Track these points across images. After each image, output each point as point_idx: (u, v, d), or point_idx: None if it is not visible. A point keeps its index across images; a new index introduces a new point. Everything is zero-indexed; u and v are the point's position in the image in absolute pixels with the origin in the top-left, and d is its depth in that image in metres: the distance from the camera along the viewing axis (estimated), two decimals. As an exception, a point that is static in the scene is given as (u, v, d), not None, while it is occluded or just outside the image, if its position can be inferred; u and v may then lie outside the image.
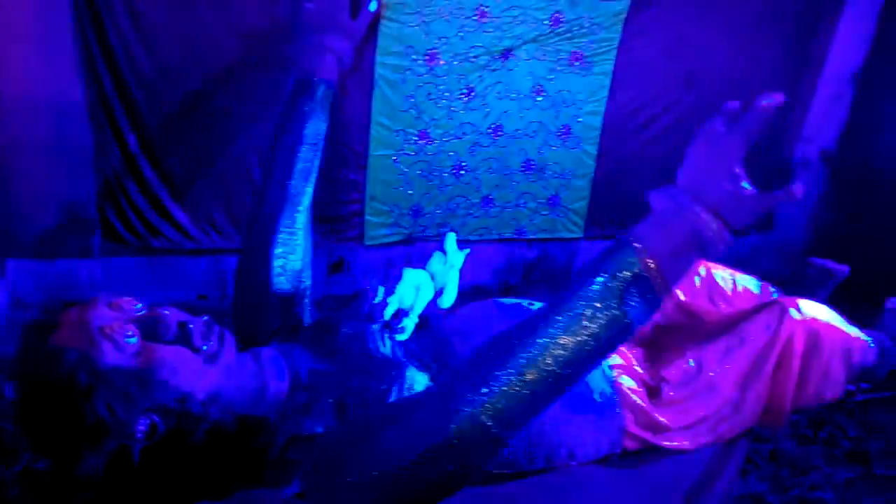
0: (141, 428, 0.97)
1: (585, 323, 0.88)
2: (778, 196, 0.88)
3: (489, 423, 0.86)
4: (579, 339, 0.88)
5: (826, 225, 2.29)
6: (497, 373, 0.88)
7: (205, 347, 1.02)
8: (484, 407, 0.86)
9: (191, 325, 1.02)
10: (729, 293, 1.49)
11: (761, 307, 1.33)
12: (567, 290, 0.91)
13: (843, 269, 1.64)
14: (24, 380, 0.98)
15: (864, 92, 2.15)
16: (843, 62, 2.10)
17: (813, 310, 1.33)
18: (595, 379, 1.20)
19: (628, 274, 0.88)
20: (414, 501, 0.90)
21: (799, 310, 1.31)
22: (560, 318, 0.89)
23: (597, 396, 1.17)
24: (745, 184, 0.89)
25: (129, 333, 0.97)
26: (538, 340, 0.88)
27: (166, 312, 1.03)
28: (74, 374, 0.94)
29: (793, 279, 1.43)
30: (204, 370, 1.01)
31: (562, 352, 0.88)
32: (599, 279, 0.88)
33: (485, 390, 0.87)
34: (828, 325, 1.32)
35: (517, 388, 0.87)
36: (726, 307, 1.46)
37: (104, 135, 1.55)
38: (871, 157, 2.16)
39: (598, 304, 0.88)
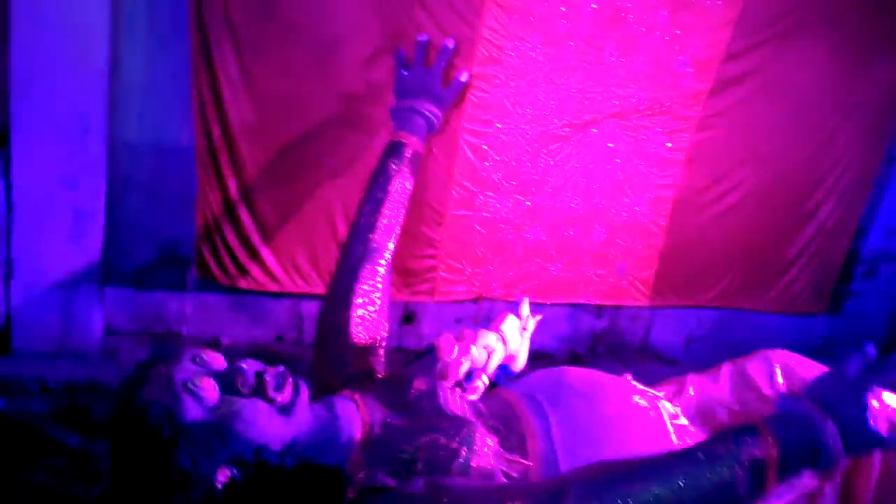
0: (221, 479, 1.02)
1: (700, 482, 0.92)
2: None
3: None
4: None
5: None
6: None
7: (279, 399, 1.07)
8: None
9: (266, 377, 1.07)
10: None
11: None
12: (687, 453, 0.97)
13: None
14: (116, 433, 1.05)
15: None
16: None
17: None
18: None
19: (751, 452, 0.93)
20: None
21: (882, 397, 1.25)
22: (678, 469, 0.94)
23: None
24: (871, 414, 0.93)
25: (211, 388, 1.03)
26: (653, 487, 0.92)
27: (244, 366, 1.07)
28: (159, 428, 1.00)
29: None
30: (278, 421, 1.06)
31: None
32: (724, 451, 0.94)
33: None
34: None
35: None
36: None
37: (207, 179, 1.66)
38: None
39: (718, 469, 0.92)
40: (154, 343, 1.73)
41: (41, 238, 1.63)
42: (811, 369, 1.38)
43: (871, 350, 0.99)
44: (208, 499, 1.02)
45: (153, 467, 1.02)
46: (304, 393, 1.12)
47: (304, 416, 1.10)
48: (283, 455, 1.07)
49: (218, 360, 1.10)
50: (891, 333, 2.24)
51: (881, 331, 2.25)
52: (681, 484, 0.92)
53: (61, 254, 1.65)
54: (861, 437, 0.93)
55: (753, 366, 1.42)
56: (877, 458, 1.22)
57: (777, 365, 1.41)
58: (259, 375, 1.07)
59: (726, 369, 1.44)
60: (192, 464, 1.01)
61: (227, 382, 1.06)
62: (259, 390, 1.07)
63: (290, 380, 1.11)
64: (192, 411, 1.02)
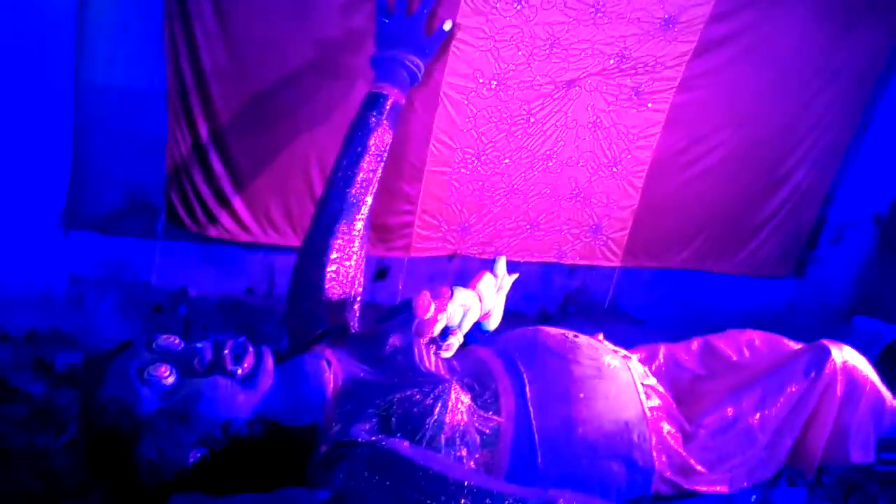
0: (191, 461, 1.03)
1: None
2: None
3: None
4: None
5: (871, 288, 2.27)
6: None
7: (239, 371, 1.07)
8: None
9: (225, 351, 1.07)
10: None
11: (805, 349, 1.33)
12: None
13: (892, 329, 1.61)
14: (82, 431, 1.06)
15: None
16: (903, 124, 2.10)
17: (855, 358, 1.32)
18: (634, 420, 1.21)
19: None
20: None
21: (842, 353, 1.30)
22: None
23: (635, 437, 1.19)
24: None
25: (167, 374, 1.03)
26: None
27: (199, 346, 1.07)
28: (119, 425, 1.01)
29: (836, 338, 1.43)
30: (242, 393, 1.06)
31: None
32: None
33: None
34: (867, 380, 1.31)
35: None
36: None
37: (178, 123, 1.60)
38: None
39: None
40: (121, 291, 1.69)
41: (3, 181, 1.57)
42: (778, 344, 1.42)
43: None
44: (182, 476, 1.02)
45: (120, 463, 1.02)
46: (267, 360, 1.11)
47: (269, 382, 1.10)
48: (252, 424, 1.07)
49: (173, 343, 1.09)
50: (854, 298, 2.30)
51: (844, 295, 2.31)
52: None
53: (24, 197, 1.59)
54: None
55: (723, 341, 1.46)
56: (831, 414, 1.27)
57: (745, 340, 1.45)
58: (217, 350, 1.06)
59: (697, 341, 1.48)
60: (158, 453, 1.01)
61: (184, 364, 1.05)
62: (217, 366, 1.06)
63: (251, 349, 1.10)
64: (150, 402, 1.01)
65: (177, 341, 1.10)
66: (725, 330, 1.51)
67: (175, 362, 1.05)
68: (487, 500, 0.95)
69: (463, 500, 0.95)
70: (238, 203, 1.70)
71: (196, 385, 1.04)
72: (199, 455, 1.03)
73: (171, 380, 1.03)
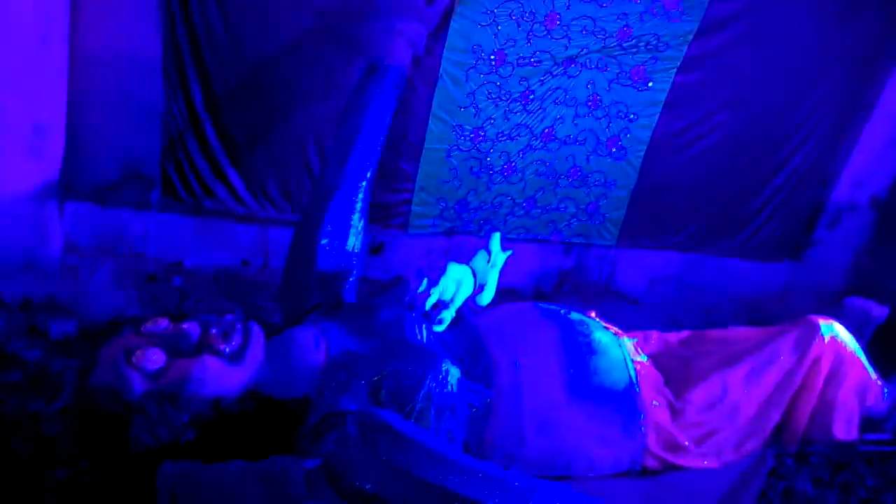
0: (184, 441, 1.03)
1: None
2: None
3: None
4: None
5: (867, 272, 2.27)
6: None
7: (227, 349, 1.07)
8: None
9: (212, 330, 1.06)
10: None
11: (794, 324, 1.33)
12: None
13: (883, 311, 1.61)
14: (79, 416, 1.06)
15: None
16: (903, 108, 2.09)
17: (844, 335, 1.33)
18: (623, 396, 1.22)
19: None
20: None
21: (831, 329, 1.30)
22: None
23: (623, 413, 1.20)
24: None
25: (155, 357, 1.03)
26: None
27: (185, 327, 1.06)
28: (110, 410, 1.01)
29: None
30: (231, 371, 1.06)
31: None
32: None
33: None
34: (853, 356, 1.31)
35: None
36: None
37: (174, 93, 1.60)
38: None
39: None
40: (115, 261, 1.69)
41: (-3, 150, 1.56)
42: (768, 333, 1.41)
43: None
44: (173, 450, 1.03)
45: (113, 442, 1.02)
46: (256, 336, 1.11)
47: (259, 358, 1.09)
48: (243, 400, 1.07)
49: (162, 325, 1.08)
50: (849, 282, 2.30)
51: (840, 279, 2.31)
52: None
53: (19, 167, 1.59)
54: None
55: (713, 331, 1.46)
56: (816, 389, 1.28)
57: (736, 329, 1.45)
58: (205, 329, 1.06)
59: (687, 332, 1.49)
60: (150, 435, 1.02)
61: (173, 345, 1.05)
62: (206, 345, 1.06)
63: (239, 326, 1.10)
64: (139, 385, 1.02)
65: (164, 323, 1.10)
66: (719, 311, 1.51)
67: (163, 344, 1.05)
68: (473, 478, 0.95)
69: (451, 477, 0.95)
70: (234, 176, 1.70)
71: (184, 366, 1.04)
72: (190, 435, 1.04)
73: (159, 363, 1.03)
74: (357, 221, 1.40)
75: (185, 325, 1.07)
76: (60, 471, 1.09)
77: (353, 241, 1.40)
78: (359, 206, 1.40)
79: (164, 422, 1.03)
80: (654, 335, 1.48)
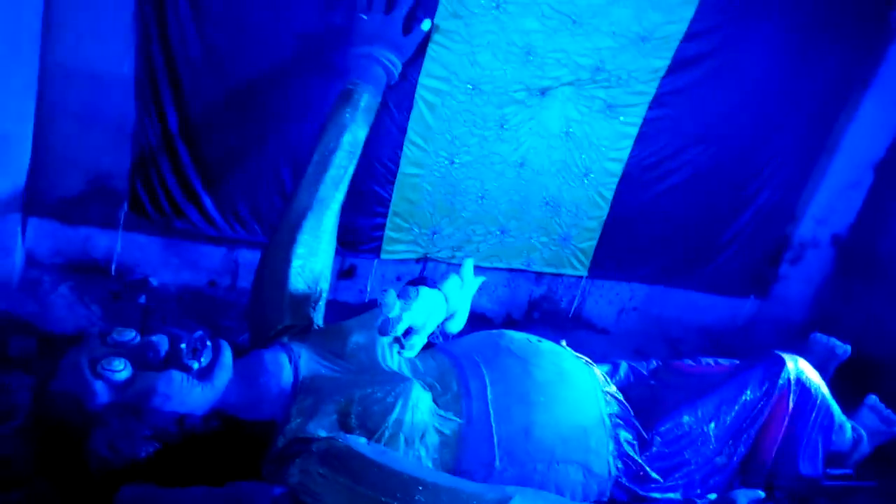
0: (143, 455, 1.00)
1: None
2: None
3: None
4: None
5: (828, 308, 2.32)
6: None
7: (196, 365, 1.05)
8: None
9: (181, 345, 1.05)
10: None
11: (760, 358, 1.35)
12: None
13: (846, 348, 1.65)
14: (35, 424, 1.04)
15: (886, 181, 2.19)
16: (865, 149, 2.16)
17: (809, 371, 1.35)
18: (592, 426, 1.22)
19: None
20: None
21: (796, 365, 1.32)
22: None
23: (592, 442, 1.20)
24: None
25: (121, 368, 1.00)
26: None
27: (154, 339, 1.05)
28: (69, 418, 0.99)
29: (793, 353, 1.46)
30: (198, 388, 1.04)
31: None
32: None
33: None
34: (818, 393, 1.34)
35: None
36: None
37: (147, 111, 1.57)
38: (885, 246, 2.19)
39: None
40: (78, 278, 1.65)
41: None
42: (735, 367, 1.44)
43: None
44: (134, 468, 1.00)
45: (70, 455, 1.00)
46: (225, 354, 1.09)
47: (227, 376, 1.08)
48: (208, 419, 1.05)
49: (129, 336, 1.07)
50: (812, 317, 2.35)
51: (803, 314, 2.36)
52: None
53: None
54: None
55: (681, 363, 1.49)
56: (782, 425, 1.30)
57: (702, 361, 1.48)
58: (173, 343, 1.04)
59: (656, 363, 1.51)
60: (109, 447, 0.99)
61: (139, 357, 1.03)
62: (173, 360, 1.04)
63: (208, 343, 1.08)
64: (102, 395, 0.99)
65: (132, 335, 1.07)
66: (686, 343, 1.54)
67: (129, 356, 1.03)
68: (443, 497, 0.94)
69: (418, 497, 0.94)
70: (205, 197, 1.67)
71: (150, 379, 1.02)
72: (151, 449, 1.01)
73: (124, 373, 1.01)
74: (328, 244, 1.40)
75: (153, 338, 1.05)
76: (15, 493, 1.04)
77: (325, 264, 1.40)
78: (330, 228, 1.40)
79: (125, 435, 1.00)
80: (624, 365, 1.49)
